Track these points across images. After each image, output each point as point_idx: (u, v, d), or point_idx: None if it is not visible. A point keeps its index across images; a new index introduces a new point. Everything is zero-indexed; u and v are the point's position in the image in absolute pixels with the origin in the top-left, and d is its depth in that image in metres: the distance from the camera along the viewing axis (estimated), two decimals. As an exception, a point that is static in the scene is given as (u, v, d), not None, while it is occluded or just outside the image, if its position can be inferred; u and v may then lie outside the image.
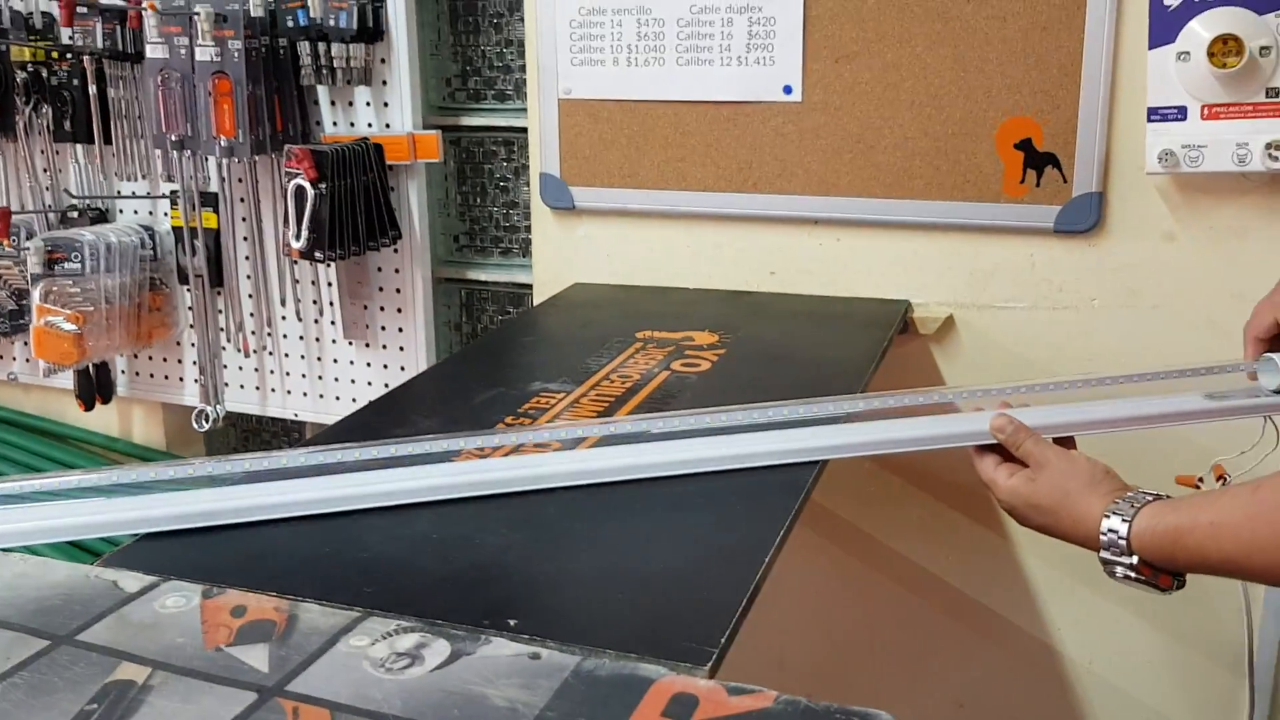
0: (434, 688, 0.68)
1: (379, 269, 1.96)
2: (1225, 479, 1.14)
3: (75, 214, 2.05)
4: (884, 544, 1.81)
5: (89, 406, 2.13)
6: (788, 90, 1.65)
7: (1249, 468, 1.16)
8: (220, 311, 2.03)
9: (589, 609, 0.81)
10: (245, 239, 1.99)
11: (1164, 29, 1.46)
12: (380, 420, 1.21)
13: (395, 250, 1.92)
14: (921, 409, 1.16)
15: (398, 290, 1.96)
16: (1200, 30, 1.43)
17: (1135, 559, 0.95)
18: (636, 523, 0.96)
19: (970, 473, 1.12)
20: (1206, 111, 1.45)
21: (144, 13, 1.82)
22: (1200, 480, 1.17)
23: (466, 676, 0.69)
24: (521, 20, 1.85)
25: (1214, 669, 1.68)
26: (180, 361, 2.15)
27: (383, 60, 1.85)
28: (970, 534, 1.75)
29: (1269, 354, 1.15)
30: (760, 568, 0.85)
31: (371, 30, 1.81)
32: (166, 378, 2.17)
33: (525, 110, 1.85)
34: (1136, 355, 1.58)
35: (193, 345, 2.09)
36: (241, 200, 1.97)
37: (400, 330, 1.97)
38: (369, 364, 2.01)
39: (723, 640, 0.74)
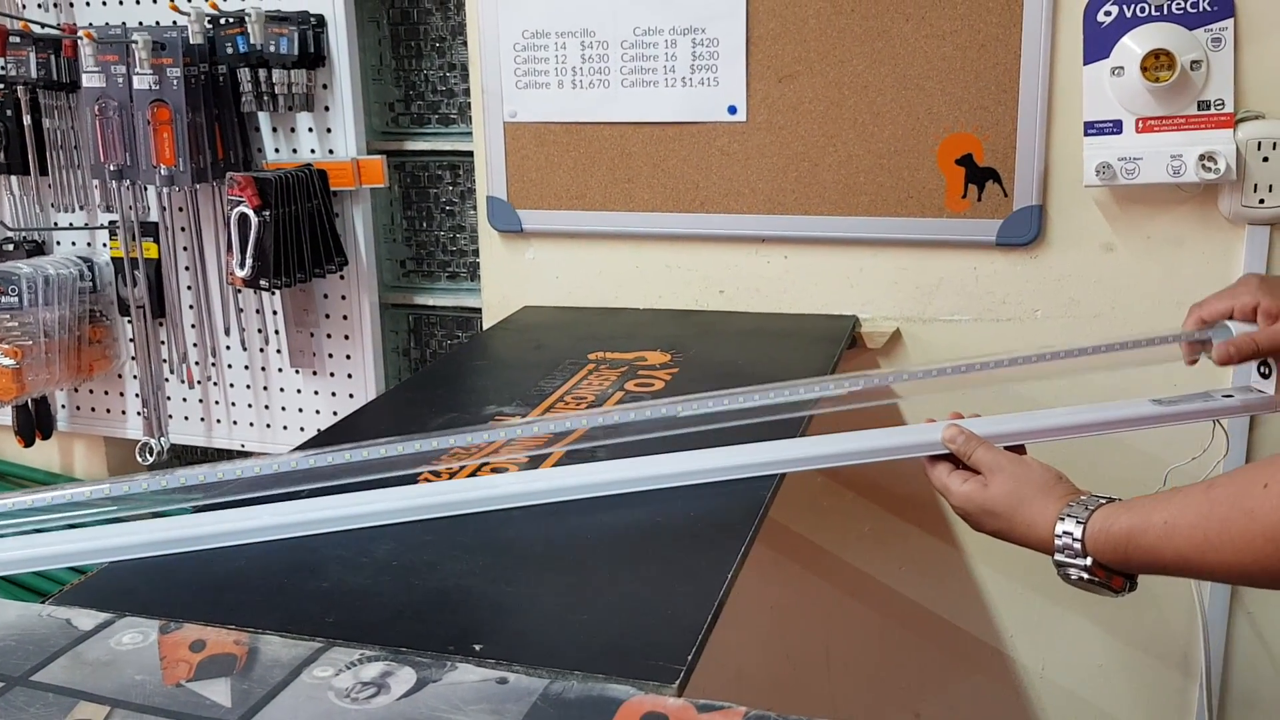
0: (401, 716, 0.68)
1: (325, 296, 1.94)
2: None
3: (11, 247, 2.01)
4: (836, 556, 1.82)
5: (29, 443, 2.08)
6: (732, 110, 1.67)
7: (1200, 476, 1.19)
8: (163, 342, 2.00)
9: (554, 631, 0.80)
10: (187, 269, 1.96)
11: (1098, 45, 1.49)
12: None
13: (341, 277, 1.91)
14: (871, 393, 1.18)
15: (345, 317, 1.94)
16: (1133, 46, 1.47)
17: (1089, 561, 0.97)
18: (597, 541, 0.96)
19: (920, 484, 1.13)
20: (1141, 125, 1.48)
21: (79, 41, 1.80)
22: None
23: (434, 704, 0.69)
24: (464, 44, 1.85)
25: (1164, 671, 1.71)
26: (122, 394, 2.12)
27: (324, 85, 1.84)
28: (921, 545, 1.77)
29: (1225, 321, 1.17)
30: (724, 583, 0.85)
31: (312, 55, 1.80)
32: (109, 411, 2.13)
33: (470, 134, 1.84)
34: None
35: (135, 377, 2.06)
36: (183, 229, 1.94)
37: (348, 357, 1.96)
38: (317, 392, 1.99)
39: (689, 657, 0.74)
